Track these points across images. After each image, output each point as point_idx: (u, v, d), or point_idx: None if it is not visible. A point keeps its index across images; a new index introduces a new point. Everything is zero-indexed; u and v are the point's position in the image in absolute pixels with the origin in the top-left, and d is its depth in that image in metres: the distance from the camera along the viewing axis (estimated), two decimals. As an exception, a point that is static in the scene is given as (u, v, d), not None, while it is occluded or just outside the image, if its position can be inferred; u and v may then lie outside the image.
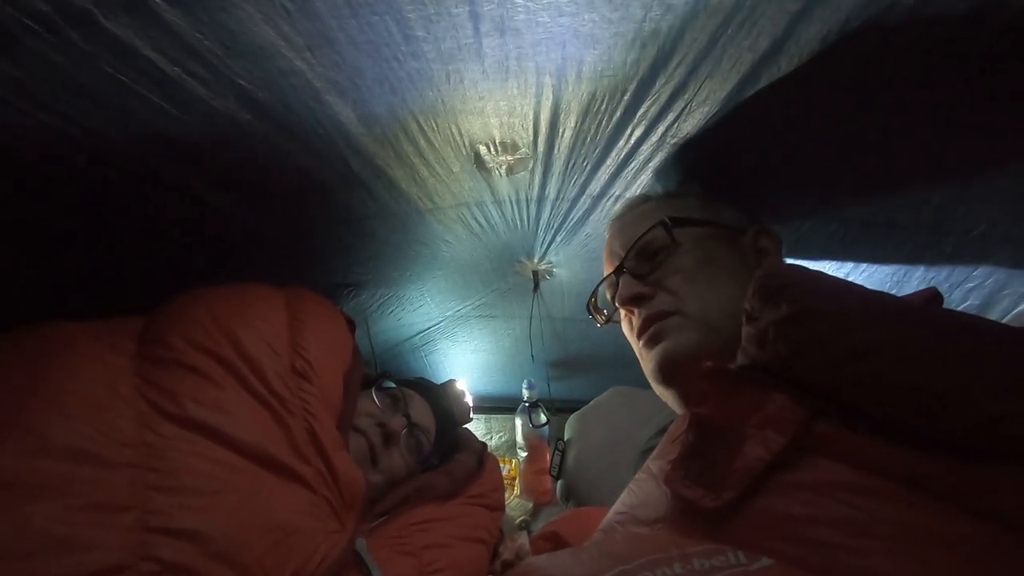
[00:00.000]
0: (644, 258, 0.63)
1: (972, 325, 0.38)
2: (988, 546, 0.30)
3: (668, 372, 0.57)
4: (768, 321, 0.43)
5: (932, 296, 0.49)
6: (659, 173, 0.72)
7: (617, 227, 0.69)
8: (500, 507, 0.88)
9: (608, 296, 0.69)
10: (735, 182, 0.71)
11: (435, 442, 0.86)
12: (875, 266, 0.80)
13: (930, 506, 0.32)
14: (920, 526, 0.32)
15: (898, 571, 0.31)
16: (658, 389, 0.61)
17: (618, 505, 0.54)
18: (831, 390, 0.39)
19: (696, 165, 0.69)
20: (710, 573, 0.34)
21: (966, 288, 0.78)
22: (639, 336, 0.60)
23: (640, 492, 0.52)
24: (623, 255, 0.64)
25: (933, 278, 0.78)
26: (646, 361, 0.60)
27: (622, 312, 0.66)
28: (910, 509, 0.33)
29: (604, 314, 0.73)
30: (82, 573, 0.41)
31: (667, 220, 0.62)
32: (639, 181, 0.75)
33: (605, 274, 0.70)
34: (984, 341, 0.36)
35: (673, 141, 0.66)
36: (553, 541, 0.77)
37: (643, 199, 0.72)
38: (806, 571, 0.33)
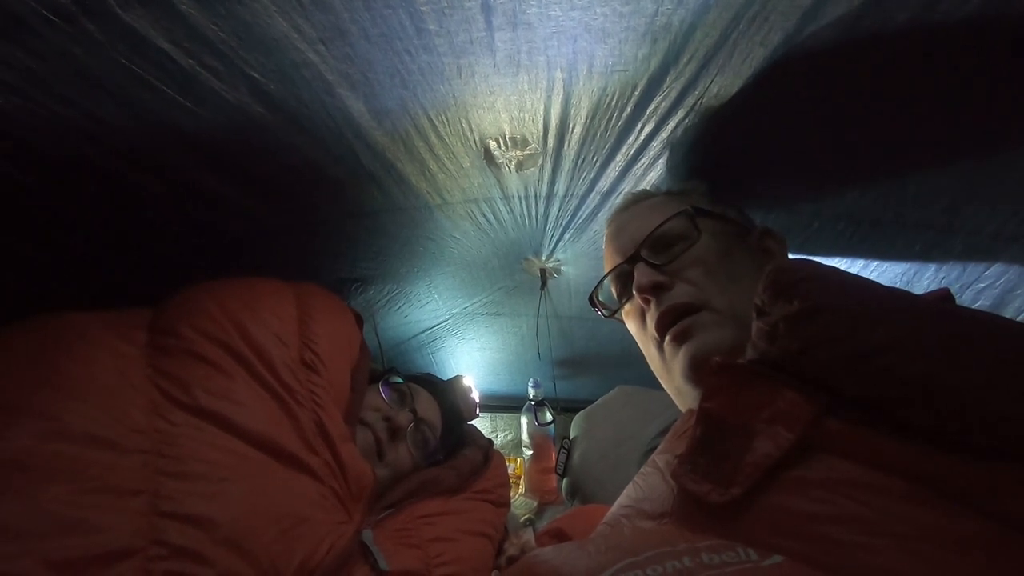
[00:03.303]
0: (660, 248, 0.61)
1: (986, 323, 0.38)
2: (999, 547, 0.30)
3: (702, 370, 0.52)
4: (779, 316, 0.43)
5: (944, 297, 0.49)
6: (668, 170, 0.72)
7: (624, 219, 0.68)
8: (505, 503, 0.88)
9: (614, 290, 0.67)
10: (742, 179, 0.71)
11: (441, 437, 0.86)
12: (884, 265, 0.80)
13: (941, 505, 0.32)
14: (931, 525, 0.31)
15: (909, 570, 0.30)
16: (684, 388, 0.57)
17: (623, 499, 0.54)
18: (842, 387, 0.39)
19: (704, 162, 0.69)
20: (719, 568, 0.34)
21: (977, 288, 0.78)
22: (662, 330, 0.57)
23: (646, 486, 0.52)
24: (639, 242, 0.62)
25: (944, 278, 0.78)
26: (674, 359, 0.57)
27: (626, 308, 0.65)
28: (921, 508, 0.32)
29: (608, 308, 0.71)
30: (93, 554, 0.41)
31: (691, 209, 0.61)
32: (648, 178, 0.75)
33: (608, 267, 0.68)
34: (998, 339, 0.36)
35: (683, 138, 0.66)
36: (558, 537, 0.78)
37: (644, 194, 0.70)
38: (816, 569, 0.32)
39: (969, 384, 0.34)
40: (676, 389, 0.60)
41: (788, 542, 0.35)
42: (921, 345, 0.36)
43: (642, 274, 0.59)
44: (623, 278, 0.64)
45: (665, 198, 0.67)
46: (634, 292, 0.59)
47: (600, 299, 0.72)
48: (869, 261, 0.81)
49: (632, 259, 0.62)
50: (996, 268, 0.75)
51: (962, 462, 0.33)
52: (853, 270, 0.83)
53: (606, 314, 0.70)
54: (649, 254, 0.61)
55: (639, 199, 0.70)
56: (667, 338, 0.57)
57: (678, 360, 0.56)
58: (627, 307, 0.65)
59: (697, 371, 0.54)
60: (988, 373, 0.34)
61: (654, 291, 0.58)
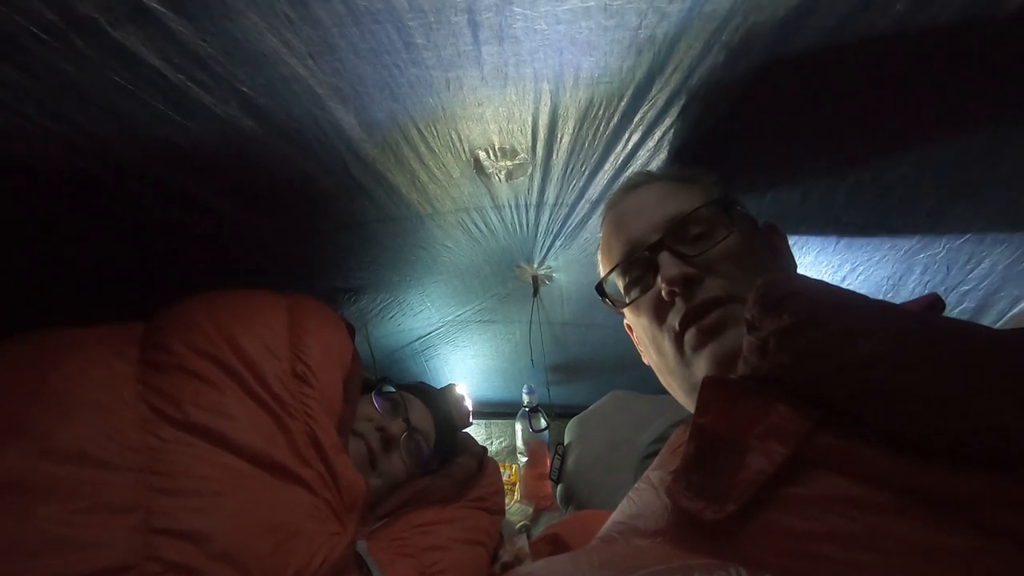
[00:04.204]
0: (686, 237, 0.56)
1: (976, 334, 0.37)
2: (994, 561, 0.29)
3: (732, 369, 0.49)
4: (769, 331, 0.43)
5: (933, 302, 0.48)
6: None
7: (633, 202, 0.63)
8: (500, 511, 0.88)
9: (623, 278, 0.62)
10: (728, 183, 0.72)
11: (434, 446, 0.86)
12: (871, 270, 0.81)
13: (935, 520, 0.32)
14: (924, 541, 0.31)
15: None
16: None
17: (617, 515, 0.53)
18: (833, 400, 0.39)
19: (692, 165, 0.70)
20: None
21: (961, 291, 0.79)
22: (690, 323, 0.53)
23: (640, 502, 0.51)
24: (663, 228, 0.57)
25: (929, 281, 0.79)
26: (700, 354, 0.53)
27: (635, 303, 0.60)
28: (915, 523, 0.32)
29: (617, 300, 0.64)
30: (87, 571, 0.41)
31: (725, 199, 0.58)
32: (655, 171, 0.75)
33: (617, 255, 0.62)
34: (988, 351, 0.35)
35: (668, 149, 0.67)
36: (554, 543, 0.78)
37: (649, 176, 0.66)
38: None
39: (961, 397, 0.33)
40: (692, 387, 0.55)
41: (780, 560, 0.35)
42: (912, 358, 0.36)
43: (671, 265, 0.54)
44: (636, 267, 0.60)
45: (674, 183, 0.63)
46: (661, 283, 0.55)
47: (607, 289, 0.66)
48: (856, 266, 0.82)
49: (655, 247, 0.57)
50: (980, 271, 0.76)
51: (956, 476, 0.32)
52: (840, 274, 0.84)
53: (617, 306, 0.65)
54: (675, 243, 0.56)
55: (644, 181, 0.65)
56: (693, 330, 0.53)
57: (706, 355, 0.52)
58: (638, 299, 0.59)
59: (727, 370, 0.50)
60: (980, 385, 0.33)
61: (686, 284, 0.54)
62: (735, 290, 0.52)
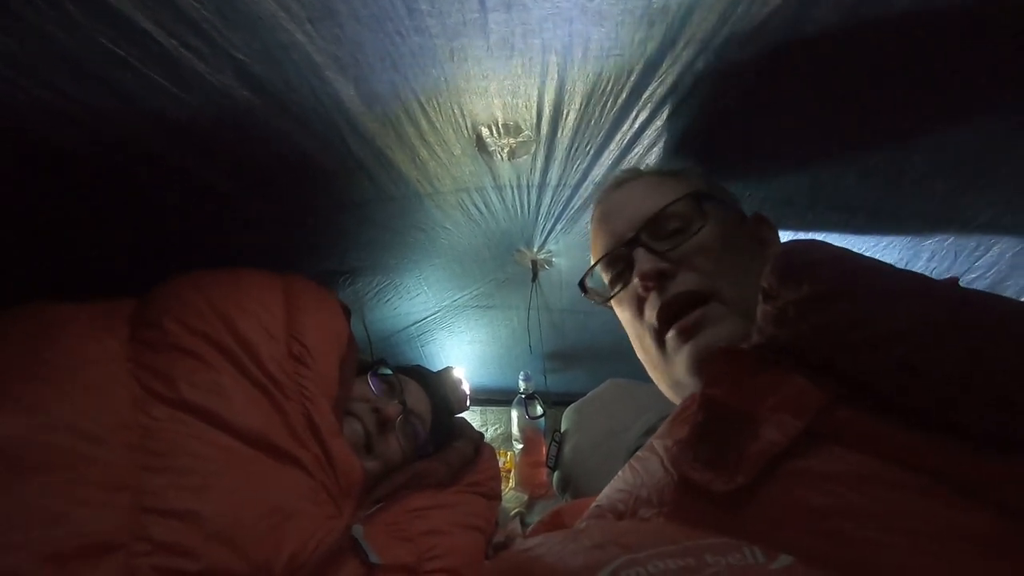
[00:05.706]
0: (662, 232, 0.57)
1: (1001, 308, 0.36)
2: (1015, 542, 0.29)
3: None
4: (788, 300, 0.41)
5: (953, 285, 0.48)
6: (662, 154, 0.71)
7: (616, 199, 0.64)
8: (497, 496, 0.88)
9: (606, 275, 0.64)
10: (738, 167, 0.71)
11: (431, 429, 0.85)
12: (877, 254, 0.80)
13: (956, 500, 0.31)
14: (946, 521, 0.30)
15: (922, 567, 0.29)
16: (688, 382, 0.54)
17: (618, 483, 0.51)
18: (853, 374, 0.38)
19: (699, 148, 0.68)
20: (725, 572, 0.32)
21: (968, 279, 0.78)
22: (666, 320, 0.54)
23: (644, 471, 0.49)
24: (639, 225, 0.58)
25: (936, 268, 0.78)
26: (679, 352, 0.53)
27: (619, 295, 0.61)
28: (935, 503, 0.31)
29: (599, 295, 0.66)
30: (77, 546, 0.41)
31: (696, 192, 0.58)
32: (643, 168, 0.74)
33: (601, 251, 0.63)
34: (1013, 327, 0.34)
35: (679, 124, 0.65)
36: (555, 525, 0.76)
37: (635, 173, 0.67)
38: (827, 568, 0.31)
39: (986, 373, 0.32)
40: (675, 382, 0.56)
41: (796, 538, 0.33)
42: (938, 332, 0.35)
43: (645, 260, 0.55)
44: (618, 263, 0.61)
45: (659, 178, 0.64)
46: (636, 279, 0.56)
47: (590, 285, 0.67)
48: (863, 250, 0.81)
49: (631, 243, 0.58)
50: (987, 259, 0.75)
51: (977, 454, 0.31)
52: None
53: (598, 301, 0.66)
54: (650, 238, 0.57)
55: (630, 178, 0.66)
56: (673, 331, 0.54)
57: (684, 354, 0.53)
58: (620, 294, 0.61)
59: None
60: (1007, 362, 0.32)
61: (659, 278, 0.54)
62: (710, 283, 0.53)
